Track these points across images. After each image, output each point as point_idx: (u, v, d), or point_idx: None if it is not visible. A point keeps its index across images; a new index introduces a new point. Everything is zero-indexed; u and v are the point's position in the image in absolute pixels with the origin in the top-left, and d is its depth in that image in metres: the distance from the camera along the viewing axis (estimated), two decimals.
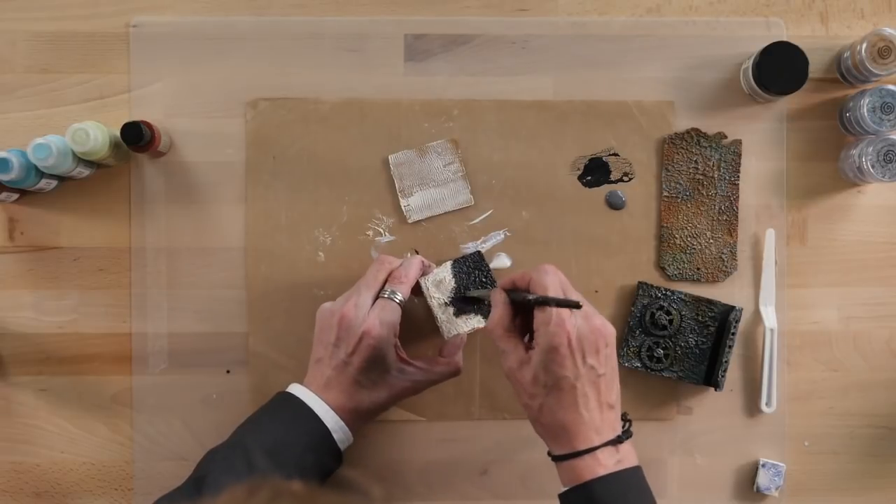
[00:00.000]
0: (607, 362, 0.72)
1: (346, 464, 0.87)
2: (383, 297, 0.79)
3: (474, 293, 0.81)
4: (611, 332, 0.72)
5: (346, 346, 0.78)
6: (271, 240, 0.89)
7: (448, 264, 0.84)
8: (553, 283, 0.72)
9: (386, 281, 0.81)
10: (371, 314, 0.78)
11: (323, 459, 0.77)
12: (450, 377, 0.82)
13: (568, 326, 0.69)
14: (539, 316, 0.71)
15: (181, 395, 0.89)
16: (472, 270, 0.84)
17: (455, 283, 0.83)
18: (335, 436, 0.77)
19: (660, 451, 0.90)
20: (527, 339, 0.75)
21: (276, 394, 0.80)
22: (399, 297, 0.79)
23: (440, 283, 0.83)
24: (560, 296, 0.71)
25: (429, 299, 0.83)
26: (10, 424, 0.89)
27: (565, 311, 0.70)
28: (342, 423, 0.77)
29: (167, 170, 0.89)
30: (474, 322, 0.82)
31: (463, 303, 0.82)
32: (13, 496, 0.89)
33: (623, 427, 0.73)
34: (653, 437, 0.90)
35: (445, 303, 0.82)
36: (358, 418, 0.79)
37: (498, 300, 0.75)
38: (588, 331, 0.70)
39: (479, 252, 0.85)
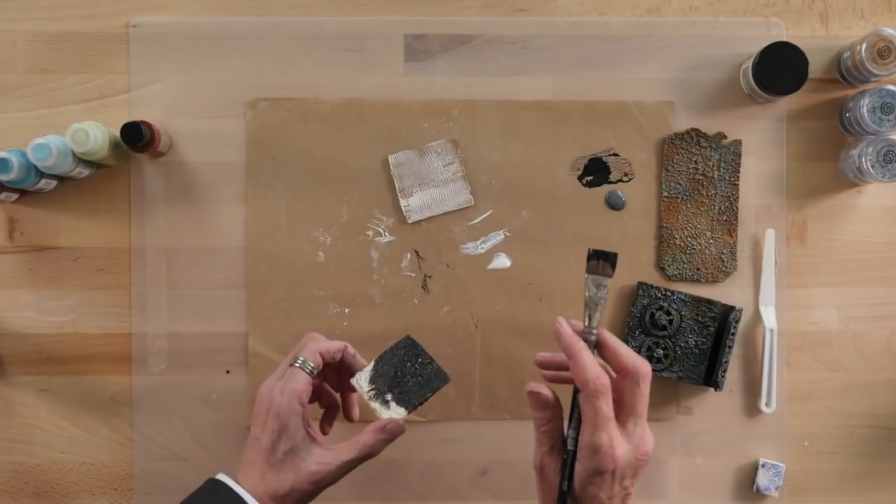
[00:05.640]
0: (637, 481, 0.69)
1: None
2: (292, 366, 0.74)
3: (428, 395, 0.76)
4: (651, 454, 0.68)
5: (258, 421, 0.73)
6: (271, 240, 0.89)
7: (373, 362, 0.77)
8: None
9: None
10: (276, 385, 0.73)
11: None
12: (364, 458, 0.74)
13: (617, 455, 0.66)
14: (587, 438, 0.66)
15: (181, 395, 0.89)
16: (405, 361, 0.78)
17: (392, 371, 0.77)
18: None
19: (660, 451, 0.90)
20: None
21: (206, 480, 0.74)
22: (304, 362, 0.74)
23: (373, 378, 0.77)
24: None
25: (362, 393, 0.77)
26: (10, 424, 0.89)
27: (615, 437, 0.66)
28: None
29: (167, 170, 0.89)
30: (400, 412, 0.77)
31: (398, 390, 0.77)
32: (13, 496, 0.89)
33: None
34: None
35: (378, 393, 0.77)
36: (272, 501, 0.71)
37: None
38: (634, 458, 0.67)
39: (408, 337, 0.78)
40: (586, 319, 0.70)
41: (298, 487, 0.71)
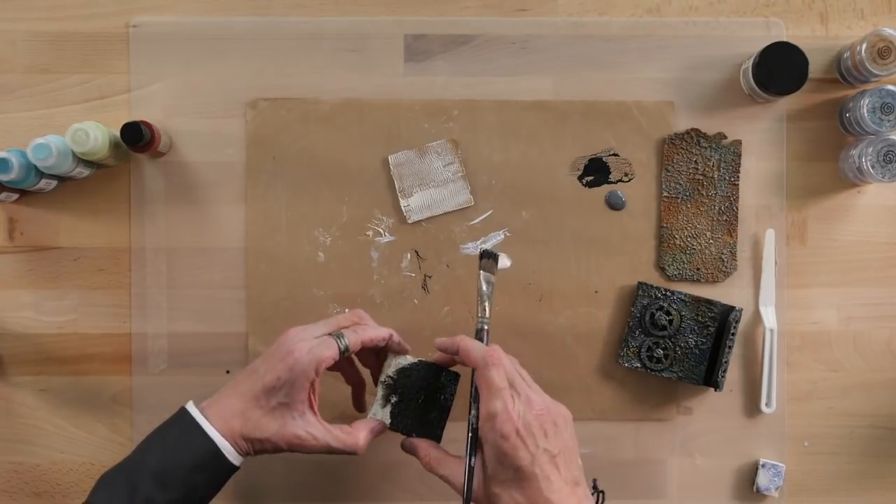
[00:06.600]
0: (559, 441, 0.70)
1: (350, 461, 0.87)
2: (329, 336, 0.74)
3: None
4: (557, 411, 0.71)
5: (270, 359, 0.73)
6: (271, 240, 0.89)
7: (417, 361, 0.78)
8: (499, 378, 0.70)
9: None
10: (307, 341, 0.73)
11: (214, 476, 0.72)
12: (347, 452, 0.74)
13: (514, 416, 0.68)
14: (484, 409, 0.69)
15: (181, 395, 0.88)
16: (431, 393, 0.77)
17: (418, 384, 0.77)
18: (225, 452, 0.72)
19: (660, 452, 0.90)
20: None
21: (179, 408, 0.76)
22: (341, 339, 0.74)
23: (403, 370, 0.77)
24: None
25: (384, 371, 0.77)
26: (10, 424, 0.89)
27: (509, 402, 0.69)
28: (228, 444, 0.72)
29: (167, 170, 0.89)
30: (386, 419, 0.77)
31: (404, 403, 0.77)
32: (13, 496, 0.89)
33: (596, 501, 0.72)
34: (653, 437, 0.90)
35: (391, 386, 0.77)
36: (241, 439, 0.72)
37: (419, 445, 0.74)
38: (532, 417, 0.69)
39: (458, 378, 0.78)
40: (481, 310, 0.76)
41: (274, 441, 0.72)
